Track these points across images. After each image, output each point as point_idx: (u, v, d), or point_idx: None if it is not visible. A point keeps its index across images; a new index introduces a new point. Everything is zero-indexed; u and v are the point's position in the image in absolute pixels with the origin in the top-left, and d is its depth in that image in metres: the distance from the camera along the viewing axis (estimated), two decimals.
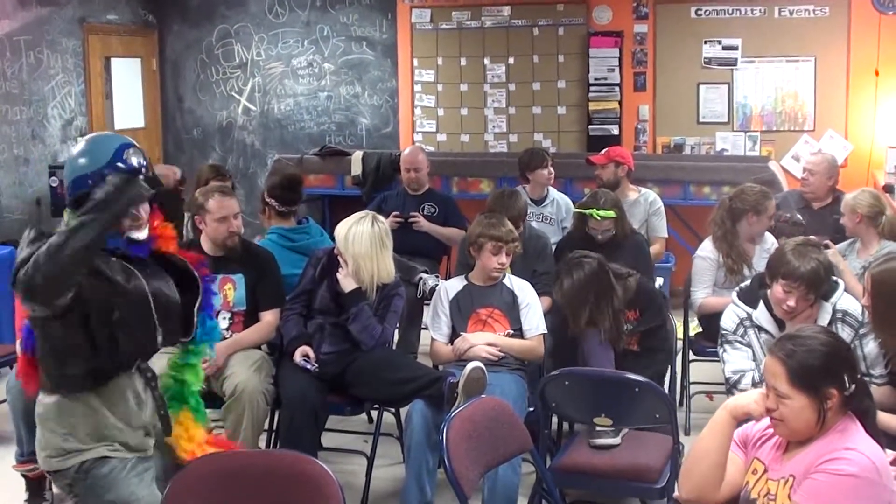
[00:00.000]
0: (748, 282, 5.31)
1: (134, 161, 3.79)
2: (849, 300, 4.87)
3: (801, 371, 3.18)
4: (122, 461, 3.82)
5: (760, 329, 4.88)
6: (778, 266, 4.75)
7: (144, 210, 3.85)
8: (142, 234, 3.86)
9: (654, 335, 5.67)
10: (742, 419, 3.39)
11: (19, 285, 3.46)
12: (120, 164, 3.75)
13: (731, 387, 4.91)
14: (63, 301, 3.54)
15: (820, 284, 4.71)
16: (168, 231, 4.05)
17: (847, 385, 3.18)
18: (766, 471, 3.33)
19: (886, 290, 4.52)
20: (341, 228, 5.67)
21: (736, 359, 4.93)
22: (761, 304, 4.89)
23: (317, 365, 5.56)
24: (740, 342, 4.93)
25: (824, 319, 4.78)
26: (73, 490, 3.86)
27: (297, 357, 5.58)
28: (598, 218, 6.61)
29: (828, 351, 3.21)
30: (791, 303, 4.70)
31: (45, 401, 3.87)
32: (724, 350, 4.98)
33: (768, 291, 4.84)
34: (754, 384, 4.73)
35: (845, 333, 4.72)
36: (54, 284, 3.48)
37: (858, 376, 3.28)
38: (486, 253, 5.77)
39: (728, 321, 5.00)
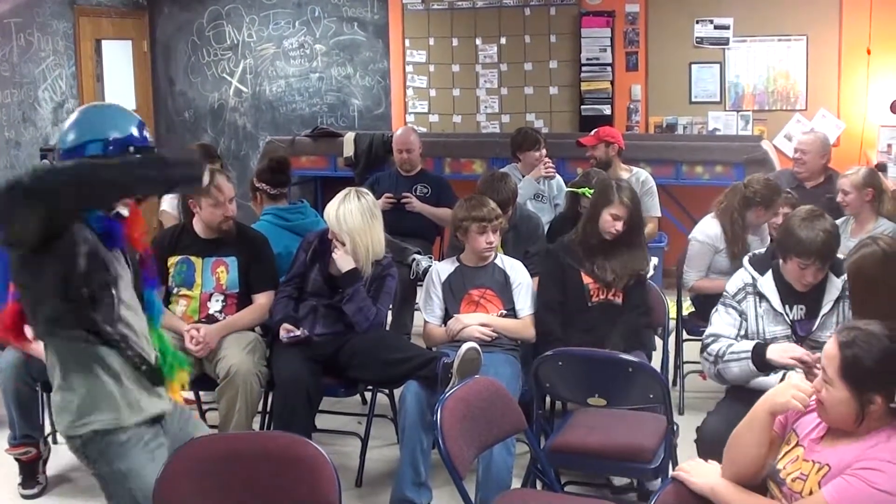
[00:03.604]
0: (762, 249, 5.28)
1: (148, 137, 3.72)
2: None
3: (852, 364, 3.14)
4: (138, 434, 3.72)
5: (762, 297, 4.85)
6: (789, 243, 4.69)
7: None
8: (125, 210, 3.73)
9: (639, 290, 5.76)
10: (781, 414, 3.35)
11: (19, 184, 3.22)
12: (137, 135, 3.65)
13: (702, 348, 4.93)
14: (38, 231, 3.37)
15: (832, 253, 4.69)
16: (141, 224, 3.90)
17: (895, 398, 3.13)
18: (798, 444, 3.31)
19: (861, 278, 4.50)
20: (330, 210, 5.66)
21: (719, 322, 4.88)
22: (769, 273, 4.85)
23: (304, 330, 5.59)
24: (735, 308, 4.87)
25: (833, 295, 4.75)
26: (86, 452, 3.74)
27: (282, 335, 5.61)
28: (590, 196, 6.62)
29: (886, 358, 3.14)
30: (809, 278, 4.69)
31: (56, 377, 3.73)
32: (716, 310, 4.94)
33: (780, 262, 4.83)
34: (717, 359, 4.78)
35: (851, 312, 4.73)
36: (60, 197, 3.28)
37: None
38: (472, 235, 5.77)
39: (733, 284, 4.94)
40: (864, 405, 3.13)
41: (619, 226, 5.63)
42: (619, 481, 5.53)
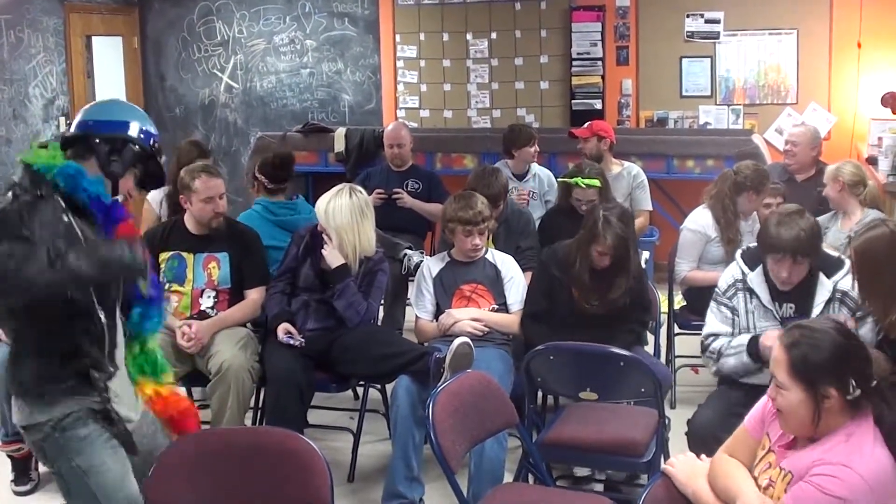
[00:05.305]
0: (755, 244, 5.31)
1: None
2: (850, 281, 4.82)
3: (801, 363, 3.13)
4: (101, 429, 3.61)
5: (752, 293, 4.86)
6: (765, 240, 4.75)
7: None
8: (121, 197, 3.82)
9: (636, 307, 5.71)
10: None
11: None
12: (150, 139, 3.84)
13: (703, 349, 4.95)
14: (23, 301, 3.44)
15: (805, 250, 4.66)
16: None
17: (851, 389, 3.09)
18: (770, 450, 3.31)
19: (869, 259, 4.51)
20: (321, 203, 5.68)
21: (714, 321, 4.93)
22: (759, 268, 4.87)
23: (303, 339, 5.57)
24: (726, 305, 4.90)
25: (823, 296, 4.76)
26: (43, 448, 3.61)
27: (280, 334, 5.59)
28: (583, 186, 6.61)
29: (835, 350, 3.12)
30: (784, 273, 4.70)
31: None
32: (710, 308, 4.99)
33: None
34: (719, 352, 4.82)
35: (843, 314, 4.73)
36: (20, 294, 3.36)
37: (873, 384, 3.17)
38: (458, 236, 5.77)
39: (724, 280, 4.98)
40: (819, 402, 3.10)
41: (607, 260, 5.57)
42: (581, 472, 5.59)
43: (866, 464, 3.03)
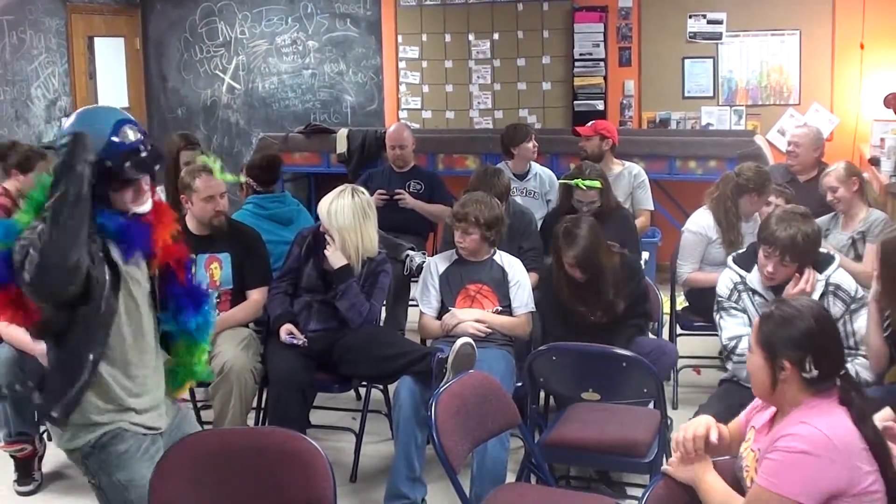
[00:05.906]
0: (744, 248, 5.33)
1: (131, 137, 3.55)
2: (843, 275, 4.89)
3: (766, 333, 3.28)
4: (137, 441, 3.70)
5: (754, 292, 4.90)
6: (762, 231, 4.86)
7: (145, 181, 3.63)
8: (145, 207, 3.65)
9: (637, 305, 5.70)
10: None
11: (27, 288, 3.35)
12: (115, 140, 3.51)
13: (728, 353, 4.94)
14: (76, 288, 3.37)
15: (797, 251, 4.73)
16: (168, 217, 3.83)
17: (807, 367, 3.18)
18: (751, 439, 3.38)
19: (893, 258, 4.56)
20: (323, 204, 5.67)
21: (731, 325, 4.94)
22: (755, 268, 4.91)
23: (305, 339, 5.57)
24: (735, 308, 4.94)
25: (818, 291, 4.81)
26: (86, 464, 3.70)
27: (283, 335, 5.59)
28: (584, 188, 6.61)
29: (802, 327, 3.22)
30: (769, 268, 4.77)
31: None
32: (721, 317, 5.00)
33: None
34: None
35: (836, 307, 4.75)
36: (59, 272, 3.29)
37: (840, 371, 3.24)
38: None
39: (723, 287, 5.02)
40: (775, 370, 3.23)
41: (578, 272, 5.56)
42: (582, 472, 5.61)
43: (826, 421, 3.10)
